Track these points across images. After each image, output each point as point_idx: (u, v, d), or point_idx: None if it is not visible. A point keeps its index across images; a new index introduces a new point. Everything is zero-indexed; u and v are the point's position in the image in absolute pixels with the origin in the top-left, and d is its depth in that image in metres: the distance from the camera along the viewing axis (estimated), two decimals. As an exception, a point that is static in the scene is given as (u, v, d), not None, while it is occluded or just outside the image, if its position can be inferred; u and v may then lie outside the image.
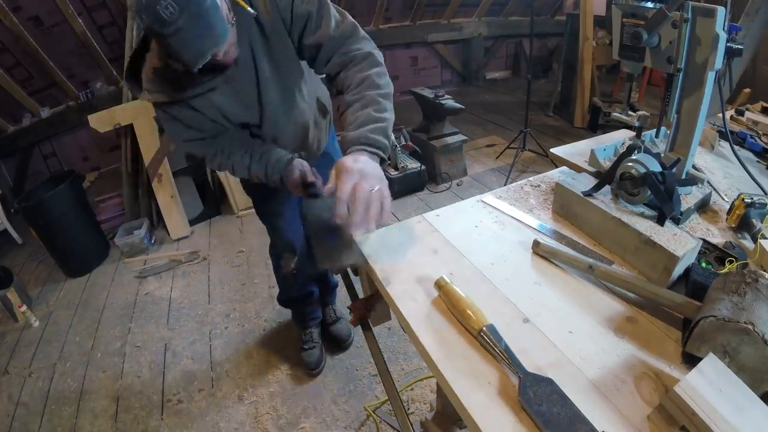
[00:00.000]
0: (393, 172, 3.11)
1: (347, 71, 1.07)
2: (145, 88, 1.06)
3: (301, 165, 1.17)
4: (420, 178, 3.16)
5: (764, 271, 0.76)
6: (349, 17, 1.10)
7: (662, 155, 0.94)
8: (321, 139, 1.46)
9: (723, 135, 1.21)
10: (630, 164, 0.85)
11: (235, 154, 1.20)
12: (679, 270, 0.76)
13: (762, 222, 0.86)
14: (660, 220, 0.80)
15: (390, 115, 1.00)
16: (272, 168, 1.18)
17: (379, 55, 1.09)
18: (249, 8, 1.00)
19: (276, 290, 2.34)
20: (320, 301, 2.01)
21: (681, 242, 0.75)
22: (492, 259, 0.87)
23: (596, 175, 1.04)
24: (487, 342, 0.65)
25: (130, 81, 1.11)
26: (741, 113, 1.36)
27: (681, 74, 0.83)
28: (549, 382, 0.61)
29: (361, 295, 1.07)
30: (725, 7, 0.78)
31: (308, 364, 1.88)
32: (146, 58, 1.07)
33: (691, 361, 0.61)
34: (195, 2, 0.83)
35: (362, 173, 0.82)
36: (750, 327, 0.54)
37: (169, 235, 2.91)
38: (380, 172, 0.86)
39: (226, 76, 1.08)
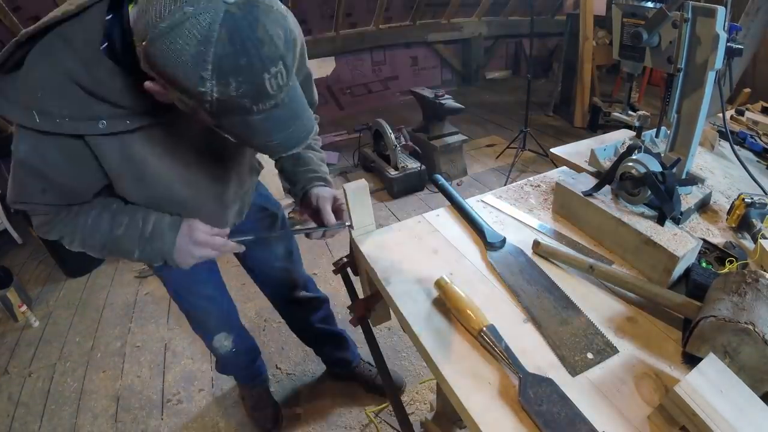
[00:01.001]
0: (393, 172, 3.11)
1: None
2: (31, 105, 0.64)
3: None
4: (420, 178, 3.16)
5: (764, 271, 0.76)
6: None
7: (662, 155, 0.94)
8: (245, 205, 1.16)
9: (723, 135, 1.21)
10: (630, 164, 0.86)
11: (85, 212, 0.83)
12: (679, 270, 0.76)
13: (762, 222, 0.86)
14: (660, 220, 0.80)
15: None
16: (154, 228, 0.85)
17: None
18: None
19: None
20: (340, 364, 1.73)
21: (681, 242, 0.75)
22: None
23: (596, 175, 1.04)
24: (487, 342, 0.65)
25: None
26: (741, 113, 1.36)
27: (681, 74, 0.83)
28: (549, 382, 0.61)
29: (361, 295, 1.07)
30: (725, 7, 0.78)
31: (263, 427, 1.63)
32: (58, 57, 0.63)
33: (691, 361, 0.61)
34: (293, 69, 0.61)
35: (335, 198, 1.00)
36: (750, 327, 0.54)
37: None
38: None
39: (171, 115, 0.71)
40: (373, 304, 0.99)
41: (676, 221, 0.85)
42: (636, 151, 0.91)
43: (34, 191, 0.76)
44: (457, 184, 3.30)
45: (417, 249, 0.92)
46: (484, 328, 0.66)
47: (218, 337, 1.35)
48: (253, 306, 2.27)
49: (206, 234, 0.88)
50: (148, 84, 0.61)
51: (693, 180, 0.96)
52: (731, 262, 0.80)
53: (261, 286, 1.46)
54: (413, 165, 3.15)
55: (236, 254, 1.20)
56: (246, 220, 1.17)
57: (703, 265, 0.79)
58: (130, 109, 0.70)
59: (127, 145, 0.74)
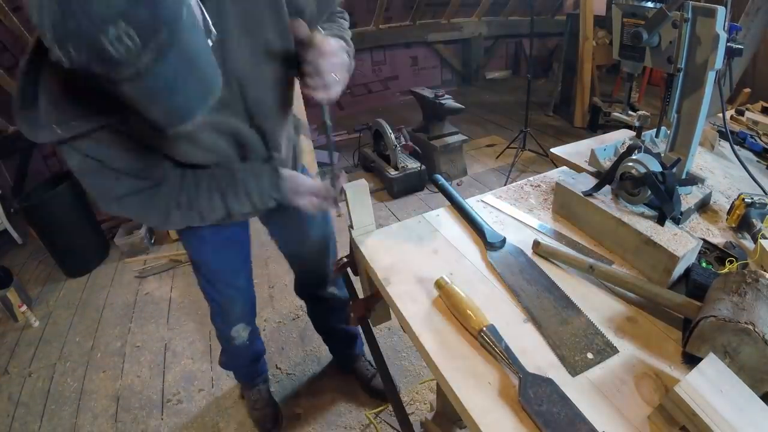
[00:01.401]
0: (393, 172, 3.12)
1: (324, 26, 0.96)
2: (51, 122, 0.66)
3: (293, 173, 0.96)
4: (420, 178, 3.16)
5: (764, 271, 0.76)
6: None
7: (662, 155, 0.94)
8: (298, 158, 1.18)
9: (723, 135, 1.21)
10: (630, 164, 0.85)
11: (198, 197, 0.89)
12: (679, 270, 0.76)
13: (762, 222, 0.86)
14: (660, 220, 0.80)
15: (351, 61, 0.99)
16: (260, 192, 0.91)
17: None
18: None
19: (276, 290, 2.35)
20: (345, 357, 1.79)
21: (681, 242, 0.75)
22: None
23: (596, 175, 1.03)
24: (487, 342, 0.65)
25: (23, 116, 0.67)
26: (741, 113, 1.36)
27: (681, 74, 0.83)
28: (549, 382, 0.61)
29: (361, 295, 1.07)
30: (725, 7, 0.78)
31: (263, 426, 1.62)
32: (44, 71, 0.64)
33: (691, 361, 0.61)
34: (168, 27, 0.50)
35: (343, 61, 0.85)
36: (750, 327, 0.54)
37: (169, 234, 2.91)
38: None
39: None
40: (373, 304, 0.99)
41: (676, 221, 0.85)
42: (636, 151, 0.91)
43: (111, 184, 0.79)
44: (457, 184, 3.30)
45: (417, 249, 0.92)
46: (484, 328, 0.66)
47: (237, 327, 1.37)
48: (253, 306, 2.27)
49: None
50: None
51: (693, 180, 0.96)
52: (731, 262, 0.80)
53: (294, 270, 1.48)
54: (413, 165, 3.15)
55: (273, 237, 1.34)
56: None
57: (703, 265, 0.79)
58: None
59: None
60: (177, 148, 0.84)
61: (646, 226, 0.79)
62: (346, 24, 1.06)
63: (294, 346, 2.00)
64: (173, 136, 0.79)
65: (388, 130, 3.08)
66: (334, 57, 0.79)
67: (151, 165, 0.83)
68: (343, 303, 1.57)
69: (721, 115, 1.01)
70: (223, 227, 1.10)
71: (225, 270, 1.24)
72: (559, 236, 0.92)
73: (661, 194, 0.80)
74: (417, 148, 3.17)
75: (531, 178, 1.14)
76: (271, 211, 1.14)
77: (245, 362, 1.57)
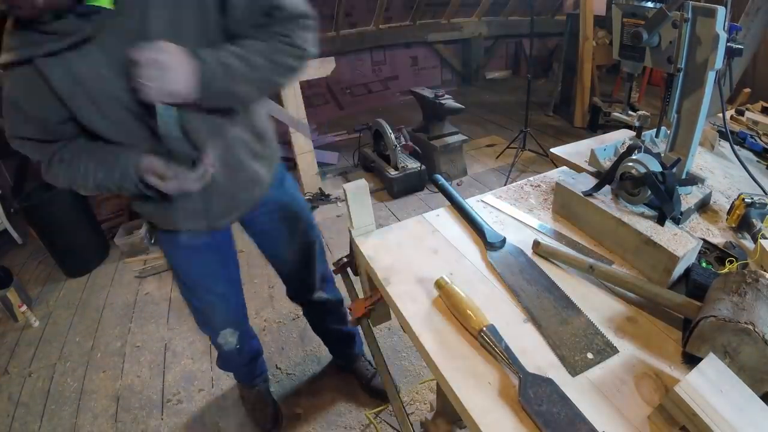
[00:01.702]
0: (393, 172, 3.12)
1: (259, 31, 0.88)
2: (3, 47, 0.78)
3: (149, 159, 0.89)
4: (420, 178, 3.16)
5: (764, 271, 0.76)
6: None
7: (662, 155, 0.94)
8: (261, 177, 1.10)
9: (723, 135, 1.21)
10: (630, 164, 0.85)
11: (77, 161, 0.92)
12: (679, 270, 0.76)
13: (762, 222, 0.86)
14: (660, 220, 0.80)
15: (267, 74, 0.88)
16: (121, 169, 0.89)
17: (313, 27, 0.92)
18: None
19: (276, 290, 2.35)
20: (344, 357, 1.79)
21: (681, 242, 0.75)
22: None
23: (596, 175, 1.03)
24: (488, 342, 0.65)
25: None
26: (741, 113, 1.36)
27: (681, 74, 0.83)
28: (549, 382, 0.61)
29: (361, 295, 1.07)
30: (725, 7, 0.78)
31: (263, 426, 1.62)
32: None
33: (691, 361, 0.61)
34: None
35: (169, 63, 0.77)
36: (750, 327, 0.54)
37: (169, 235, 2.91)
38: (190, 81, 0.79)
39: (95, 24, 0.76)
40: (373, 304, 0.99)
41: (676, 221, 0.85)
42: (636, 151, 0.91)
43: (19, 124, 0.88)
44: (457, 184, 3.30)
45: (417, 249, 0.92)
46: (484, 328, 0.66)
47: (223, 333, 1.36)
48: (253, 306, 2.27)
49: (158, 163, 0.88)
50: None
51: (693, 180, 0.96)
52: (731, 262, 0.80)
53: (282, 279, 1.48)
54: (413, 165, 3.15)
55: (259, 247, 1.34)
56: (258, 213, 1.18)
57: (703, 265, 0.79)
58: (57, 32, 0.75)
59: (71, 65, 0.78)
60: (82, 111, 0.85)
61: (646, 226, 0.79)
62: (287, 49, 0.89)
63: (294, 346, 2.00)
64: (80, 95, 0.82)
65: (388, 130, 3.08)
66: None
67: (58, 122, 0.87)
68: (337, 305, 1.57)
69: (721, 115, 1.01)
70: (202, 233, 1.10)
71: (203, 276, 1.23)
72: (559, 236, 0.92)
73: (661, 194, 0.80)
74: (417, 148, 3.17)
75: (531, 178, 1.15)
76: (253, 221, 1.21)
77: (241, 363, 1.57)
